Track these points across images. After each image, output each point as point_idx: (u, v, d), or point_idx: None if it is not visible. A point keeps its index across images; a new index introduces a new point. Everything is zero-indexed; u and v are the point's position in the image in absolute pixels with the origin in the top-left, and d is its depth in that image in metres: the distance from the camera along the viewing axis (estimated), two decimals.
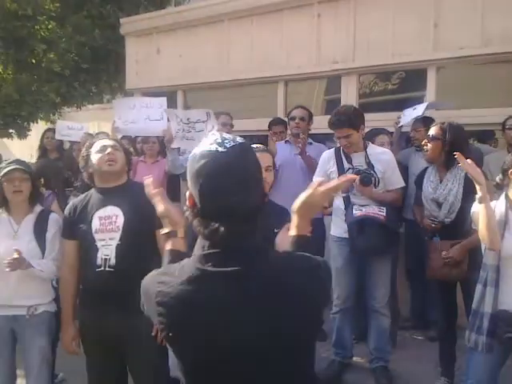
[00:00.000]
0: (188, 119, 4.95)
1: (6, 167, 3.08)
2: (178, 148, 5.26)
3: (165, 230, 1.82)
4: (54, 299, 3.17)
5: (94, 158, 2.87)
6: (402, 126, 4.83)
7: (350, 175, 2.68)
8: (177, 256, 1.66)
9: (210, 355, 1.30)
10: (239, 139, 1.37)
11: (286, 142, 5.02)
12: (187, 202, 1.38)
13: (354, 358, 4.22)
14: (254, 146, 4.40)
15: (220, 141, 1.33)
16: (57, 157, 6.49)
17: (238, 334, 1.28)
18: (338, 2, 5.58)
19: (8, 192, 3.06)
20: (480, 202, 2.74)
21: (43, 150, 6.64)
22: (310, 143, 4.90)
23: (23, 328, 3.05)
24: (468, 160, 2.82)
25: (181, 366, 1.39)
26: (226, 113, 5.36)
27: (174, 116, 5.04)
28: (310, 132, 4.97)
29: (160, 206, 1.84)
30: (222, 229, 1.28)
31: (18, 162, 3.19)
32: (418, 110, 4.62)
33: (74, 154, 6.25)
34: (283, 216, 3.15)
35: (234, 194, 1.28)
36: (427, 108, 4.61)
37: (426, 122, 4.50)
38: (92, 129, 9.22)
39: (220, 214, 1.29)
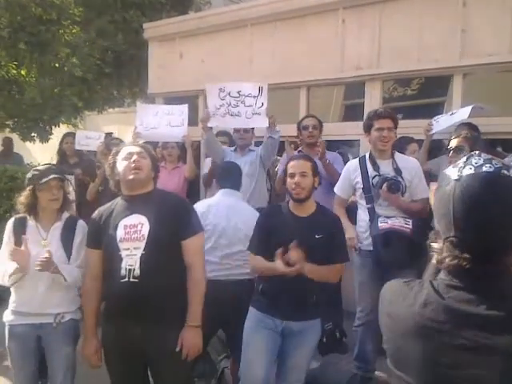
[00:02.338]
0: (239, 92, 4.80)
1: (41, 175, 3.03)
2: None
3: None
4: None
5: (120, 165, 2.84)
6: (433, 134, 4.71)
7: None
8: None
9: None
10: (495, 163, 1.22)
11: (298, 151, 4.97)
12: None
13: (376, 372, 4.13)
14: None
15: (474, 164, 1.22)
16: (76, 162, 6.52)
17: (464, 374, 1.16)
18: (364, 8, 5.52)
19: (44, 200, 3.04)
20: None
21: (62, 155, 6.66)
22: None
23: (49, 336, 3.03)
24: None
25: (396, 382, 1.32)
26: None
27: (217, 91, 4.86)
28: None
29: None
30: (475, 264, 1.18)
31: (53, 169, 3.15)
32: (459, 115, 4.44)
33: (93, 159, 6.30)
34: (337, 224, 3.20)
35: (502, 228, 1.16)
36: (471, 112, 4.37)
37: (472, 127, 4.35)
38: (112, 132, 9.29)
39: (476, 247, 1.18)
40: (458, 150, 3.70)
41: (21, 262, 2.85)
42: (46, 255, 2.84)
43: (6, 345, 3.07)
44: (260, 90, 4.72)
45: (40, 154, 11.92)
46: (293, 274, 2.84)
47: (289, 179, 3.12)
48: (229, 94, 4.80)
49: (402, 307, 1.29)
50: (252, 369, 3.05)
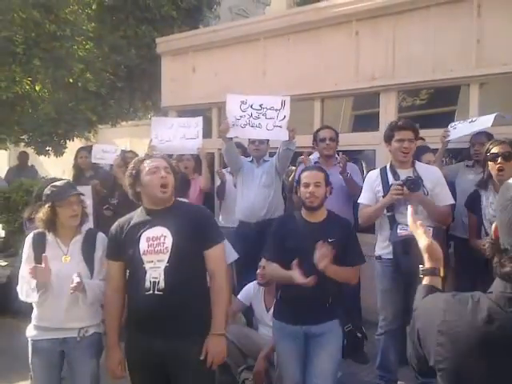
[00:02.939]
0: (261, 105, 4.77)
1: (61, 191, 3.01)
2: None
3: (425, 266, 1.64)
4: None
5: (146, 179, 2.80)
6: (449, 141, 4.69)
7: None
8: (432, 292, 1.51)
9: None
10: None
11: (315, 163, 4.94)
12: (492, 235, 1.28)
13: (399, 382, 4.09)
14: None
15: None
16: (92, 174, 6.56)
17: None
18: (378, 19, 5.55)
19: (64, 216, 3.00)
20: None
21: (78, 169, 6.70)
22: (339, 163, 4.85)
23: (73, 350, 3.00)
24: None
25: None
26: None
27: (239, 102, 4.86)
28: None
29: (422, 240, 1.66)
30: None
31: (72, 185, 3.15)
32: (481, 123, 4.40)
33: (109, 172, 6.34)
34: (348, 228, 3.31)
35: None
36: (495, 120, 4.33)
37: (489, 136, 4.33)
38: (124, 145, 9.37)
39: None
40: (509, 155, 3.64)
41: (41, 279, 2.84)
42: (78, 280, 2.82)
43: (30, 360, 3.04)
44: (283, 103, 4.72)
45: (52, 167, 12.02)
46: (310, 284, 2.96)
47: (303, 188, 3.28)
48: (251, 106, 4.80)
49: (460, 324, 1.23)
50: (287, 372, 3.25)
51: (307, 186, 3.25)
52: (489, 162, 3.75)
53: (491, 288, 1.28)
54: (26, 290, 2.97)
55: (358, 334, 3.56)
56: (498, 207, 1.26)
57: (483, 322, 1.20)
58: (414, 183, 3.69)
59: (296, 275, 2.99)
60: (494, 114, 4.37)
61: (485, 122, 4.38)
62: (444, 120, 5.22)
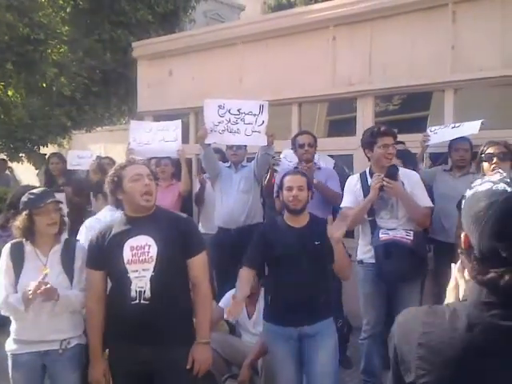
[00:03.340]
0: (239, 110, 4.75)
1: (38, 198, 2.93)
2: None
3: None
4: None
5: (128, 186, 2.77)
6: (428, 146, 4.74)
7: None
8: None
9: None
10: None
11: (295, 168, 4.91)
12: (462, 244, 1.29)
13: None
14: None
15: (508, 180, 1.23)
16: (64, 182, 6.43)
17: None
18: (354, 25, 5.60)
19: (41, 224, 2.92)
20: None
21: (50, 176, 6.57)
22: (319, 168, 4.86)
23: (55, 362, 2.92)
24: None
25: None
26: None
27: (216, 107, 4.80)
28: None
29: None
30: (508, 277, 1.17)
31: (49, 192, 3.09)
32: (467, 129, 4.46)
33: (85, 178, 6.24)
34: (325, 225, 3.30)
35: None
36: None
37: (470, 141, 4.43)
38: (98, 151, 9.24)
39: (507, 262, 1.18)
40: (504, 156, 3.69)
41: (47, 298, 2.76)
42: (48, 285, 2.71)
43: (10, 375, 2.94)
44: (261, 108, 4.70)
45: (23, 173, 11.78)
46: None
47: (286, 192, 3.33)
48: (229, 111, 4.75)
49: (441, 335, 1.23)
50: (283, 373, 3.25)
51: (290, 189, 3.30)
52: (484, 163, 3.75)
53: (464, 296, 1.31)
54: (6, 302, 2.86)
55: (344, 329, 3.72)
56: (468, 218, 1.27)
57: (464, 330, 1.20)
58: (392, 170, 3.76)
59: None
60: (480, 121, 4.43)
61: (471, 128, 4.44)
62: (420, 125, 5.31)
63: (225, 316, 3.42)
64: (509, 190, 1.21)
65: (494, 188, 1.23)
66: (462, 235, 1.30)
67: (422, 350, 1.24)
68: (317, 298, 3.21)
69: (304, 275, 3.11)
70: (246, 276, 3.32)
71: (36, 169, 9.28)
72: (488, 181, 1.27)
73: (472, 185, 1.31)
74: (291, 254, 3.15)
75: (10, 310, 2.87)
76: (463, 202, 1.32)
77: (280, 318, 3.25)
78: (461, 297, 1.39)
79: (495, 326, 1.18)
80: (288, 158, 5.14)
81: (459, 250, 1.34)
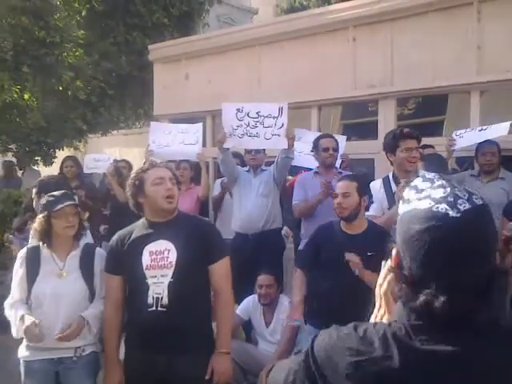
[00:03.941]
0: (258, 113, 4.60)
1: (56, 201, 2.87)
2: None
3: None
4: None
5: (151, 190, 2.67)
6: (454, 150, 4.60)
7: None
8: None
9: None
10: (475, 198, 1.10)
11: (315, 173, 4.80)
12: (391, 262, 1.17)
13: None
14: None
15: (451, 200, 1.07)
16: (77, 185, 6.38)
17: None
18: (375, 25, 5.48)
19: (59, 227, 2.85)
20: None
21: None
22: (340, 172, 4.71)
23: (69, 370, 2.83)
24: None
25: None
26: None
27: (235, 111, 4.67)
28: None
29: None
30: (441, 300, 1.04)
31: (68, 195, 3.00)
32: (495, 131, 4.28)
33: (102, 182, 6.19)
34: (385, 239, 3.15)
35: (464, 266, 1.05)
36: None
37: (498, 145, 4.27)
38: (113, 155, 9.20)
39: (439, 287, 1.06)
40: None
41: (32, 340, 2.70)
42: (68, 331, 2.70)
43: (22, 382, 2.86)
44: (280, 110, 4.56)
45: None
46: None
47: (334, 199, 3.33)
48: (247, 114, 4.62)
49: (371, 362, 1.08)
50: None
51: (336, 196, 3.29)
52: None
53: (394, 317, 1.17)
54: (13, 319, 2.78)
55: None
56: (400, 237, 1.13)
57: (388, 359, 1.07)
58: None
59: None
60: (509, 122, 4.25)
61: (499, 130, 4.26)
62: (442, 128, 5.17)
63: (287, 322, 3.47)
64: (451, 213, 1.04)
65: (433, 209, 1.06)
66: (394, 252, 1.15)
67: (351, 382, 1.09)
68: (364, 310, 3.09)
69: (349, 285, 3.01)
70: (299, 279, 3.32)
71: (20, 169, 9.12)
72: (429, 197, 1.09)
73: (409, 196, 1.13)
74: (337, 262, 3.08)
75: (8, 317, 2.81)
76: (397, 218, 1.16)
77: (324, 325, 3.14)
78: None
79: (422, 353, 1.06)
80: (297, 149, 5.00)
81: (389, 267, 1.20)
